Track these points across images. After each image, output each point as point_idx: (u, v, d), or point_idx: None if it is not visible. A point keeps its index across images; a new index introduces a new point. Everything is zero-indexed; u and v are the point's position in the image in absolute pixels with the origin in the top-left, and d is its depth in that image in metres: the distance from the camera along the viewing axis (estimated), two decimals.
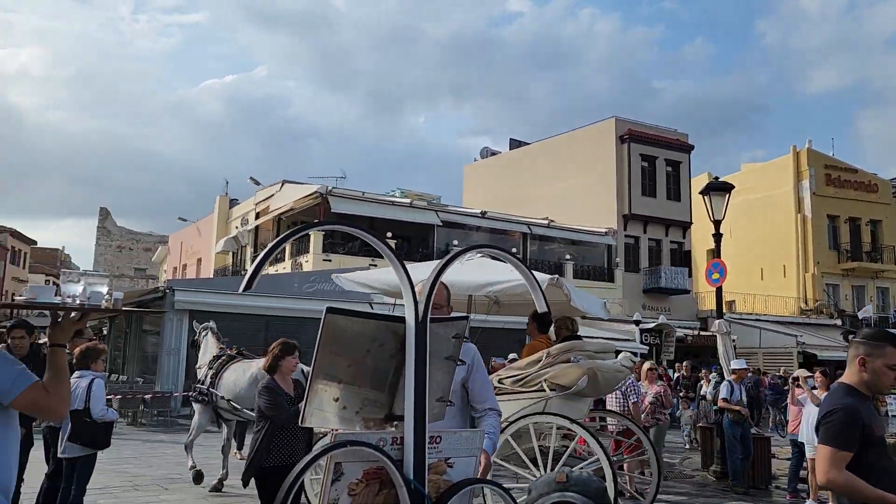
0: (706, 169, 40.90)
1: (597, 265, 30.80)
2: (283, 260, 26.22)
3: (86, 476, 6.23)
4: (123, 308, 2.93)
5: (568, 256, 29.85)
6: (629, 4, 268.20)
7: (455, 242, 26.08)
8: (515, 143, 39.49)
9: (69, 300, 2.64)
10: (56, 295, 2.64)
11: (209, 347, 9.14)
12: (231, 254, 33.75)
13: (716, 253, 11.38)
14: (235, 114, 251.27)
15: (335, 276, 9.68)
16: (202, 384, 8.60)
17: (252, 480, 5.21)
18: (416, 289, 2.69)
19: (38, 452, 6.65)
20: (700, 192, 11.92)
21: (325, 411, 2.58)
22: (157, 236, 63.83)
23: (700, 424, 13.03)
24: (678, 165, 32.31)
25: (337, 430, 2.60)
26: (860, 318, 31.56)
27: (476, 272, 8.11)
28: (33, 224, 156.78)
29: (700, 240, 32.88)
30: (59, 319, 2.60)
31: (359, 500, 2.44)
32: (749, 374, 15.13)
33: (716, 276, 11.27)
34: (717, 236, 11.22)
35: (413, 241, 27.05)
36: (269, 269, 24.67)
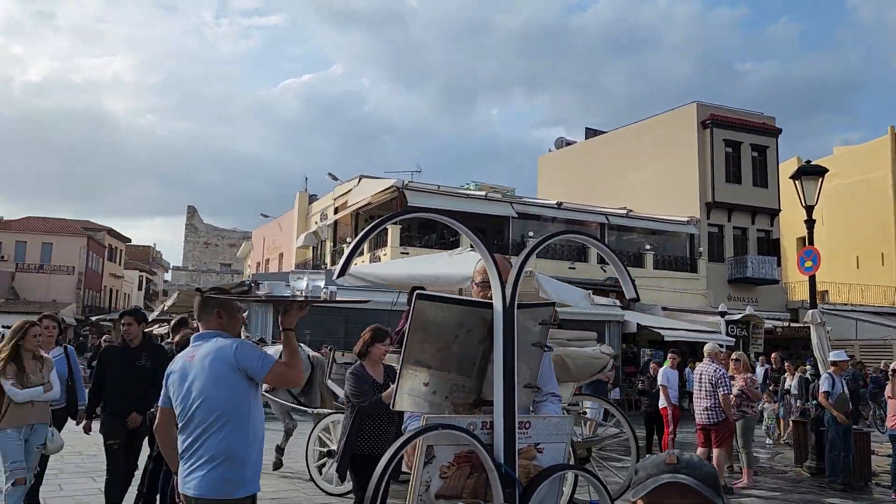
0: (795, 153, 39.11)
1: (679, 255, 29.98)
2: (363, 254, 26.68)
3: None
4: (337, 301, 3.29)
5: (648, 247, 29.17)
6: None
7: (530, 234, 25.89)
8: (591, 133, 38.80)
9: (297, 293, 3.06)
10: (286, 289, 3.10)
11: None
12: (311, 248, 34.57)
13: (808, 240, 10.90)
14: (313, 112, 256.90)
15: (333, 268, 9.88)
16: None
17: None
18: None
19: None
20: (791, 177, 11.43)
21: (415, 396, 2.61)
22: (241, 232, 66.06)
23: (793, 418, 12.51)
24: (765, 150, 31.06)
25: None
26: None
27: (458, 266, 8.80)
28: (128, 223, 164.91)
29: (789, 227, 31.53)
30: (288, 309, 3.14)
31: (450, 483, 2.47)
32: (848, 367, 14.43)
33: (808, 263, 10.79)
34: (810, 223, 10.73)
35: (488, 234, 27.02)
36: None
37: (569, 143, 40.25)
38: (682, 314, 25.32)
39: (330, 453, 7.90)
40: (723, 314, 22.40)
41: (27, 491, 5.62)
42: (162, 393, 3.33)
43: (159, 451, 6.28)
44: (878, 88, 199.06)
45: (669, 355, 11.67)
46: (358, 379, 5.17)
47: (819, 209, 11.59)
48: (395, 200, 25.90)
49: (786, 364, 15.86)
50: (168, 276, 75.77)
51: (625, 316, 22.09)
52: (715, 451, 8.89)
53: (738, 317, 22.74)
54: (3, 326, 45.29)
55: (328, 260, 31.04)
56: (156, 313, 29.39)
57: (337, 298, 3.20)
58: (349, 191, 30.47)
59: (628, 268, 3.02)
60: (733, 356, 10.42)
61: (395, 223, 24.99)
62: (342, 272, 2.46)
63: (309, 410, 9.30)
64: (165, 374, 3.35)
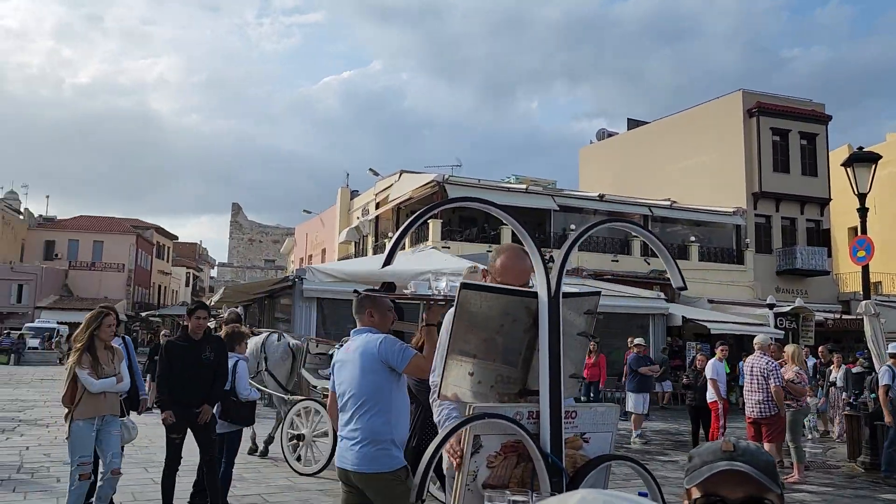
0: (845, 141, 37.96)
1: (725, 247, 29.41)
2: (404, 248, 26.80)
3: (233, 450, 6.69)
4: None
5: (693, 238, 28.68)
6: None
7: (572, 227, 25.67)
8: (634, 123, 38.22)
9: (436, 292, 3.33)
10: (429, 289, 3.36)
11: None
12: (353, 243, 34.85)
13: (861, 229, 10.58)
14: (353, 108, 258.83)
15: (307, 267, 10.65)
16: None
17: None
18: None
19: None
20: (842, 165, 11.11)
21: (460, 386, 2.61)
22: (284, 229, 66.98)
23: (846, 412, 12.18)
24: (814, 138, 30.22)
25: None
26: None
27: (408, 263, 10.01)
28: (174, 221, 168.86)
29: (840, 217, 30.64)
30: (431, 306, 3.47)
31: (497, 473, 2.46)
32: None
33: (861, 253, 10.49)
34: (863, 211, 10.42)
35: (529, 227, 26.33)
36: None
37: (611, 135, 39.75)
38: (729, 307, 24.83)
39: (300, 437, 8.63)
40: (771, 306, 21.91)
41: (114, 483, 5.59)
42: (330, 378, 3.90)
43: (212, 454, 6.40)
44: None
45: (718, 347, 11.46)
46: None
47: (872, 197, 11.22)
48: (436, 195, 25.95)
49: (833, 357, 15.39)
50: (214, 273, 77.32)
51: (669, 309, 21.77)
52: (766, 446, 8.71)
53: (787, 309, 22.22)
54: (57, 322, 46.55)
55: (370, 255, 31.27)
56: None
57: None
58: (390, 186, 30.61)
59: (676, 261, 2.97)
60: (786, 348, 10.17)
61: (437, 217, 25.04)
62: (387, 262, 2.48)
63: (285, 397, 9.78)
64: (332, 362, 3.90)
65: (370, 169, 34.54)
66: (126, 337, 6.85)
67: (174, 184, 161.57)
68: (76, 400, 5.34)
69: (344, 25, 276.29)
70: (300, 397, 9.32)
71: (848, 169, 10.69)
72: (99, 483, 5.45)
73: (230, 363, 6.51)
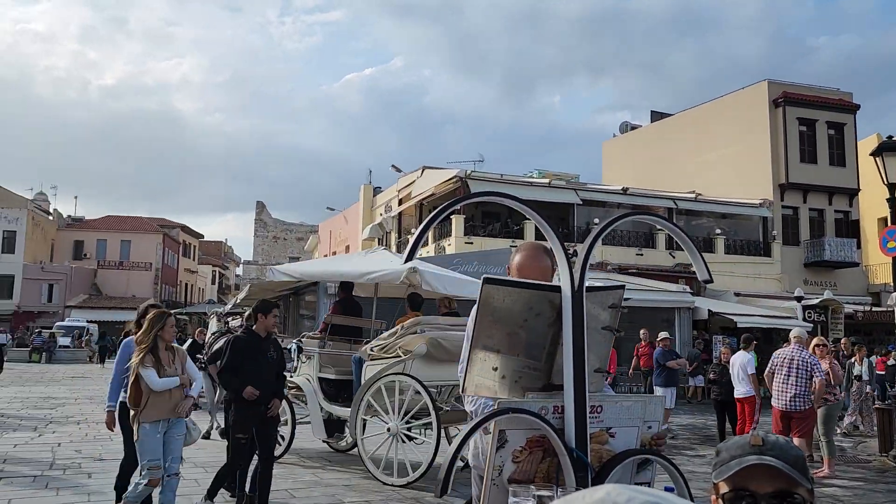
0: (874, 130, 37.23)
1: (751, 239, 29.04)
2: (427, 244, 26.84)
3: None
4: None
5: (718, 231, 28.36)
6: None
7: (595, 220, 25.51)
8: (657, 116, 37.86)
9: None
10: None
11: (211, 326, 12.04)
12: (377, 240, 34.97)
13: (891, 219, 10.39)
14: (375, 105, 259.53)
15: (269, 268, 12.13)
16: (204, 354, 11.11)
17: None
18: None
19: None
20: (871, 154, 10.91)
21: (485, 380, 2.61)
22: (308, 226, 67.36)
23: (876, 406, 11.98)
24: (842, 128, 29.71)
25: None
26: None
27: (359, 263, 10.36)
28: (200, 219, 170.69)
29: (870, 207, 30.09)
30: None
31: (523, 468, 2.46)
32: None
33: (892, 244, 10.30)
34: (893, 201, 10.22)
35: (552, 221, 26.32)
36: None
37: (634, 128, 39.41)
38: (756, 300, 24.53)
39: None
40: (799, 299, 21.61)
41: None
42: None
43: (262, 450, 6.44)
44: None
45: (750, 340, 11.33)
46: None
47: None
48: (459, 190, 25.93)
49: (856, 349, 15.06)
50: (240, 271, 78.00)
51: (695, 302, 21.56)
52: (796, 440, 8.59)
53: (815, 301, 21.91)
54: (87, 321, 47.17)
55: (393, 251, 31.35)
56: (228, 306, 30.29)
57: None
58: (413, 182, 30.66)
59: (702, 254, 2.94)
60: (815, 341, 10.01)
61: (459, 213, 25.04)
62: (410, 257, 2.48)
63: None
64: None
65: (393, 165, 34.69)
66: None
67: (199, 183, 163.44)
68: (143, 402, 5.28)
69: (365, 22, 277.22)
70: None
71: (877, 158, 10.49)
72: (159, 489, 5.36)
73: None
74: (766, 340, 19.07)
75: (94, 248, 53.59)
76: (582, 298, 2.61)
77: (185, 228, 62.15)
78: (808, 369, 8.68)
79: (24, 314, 46.65)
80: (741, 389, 10.83)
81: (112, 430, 6.01)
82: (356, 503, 7.09)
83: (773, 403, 9.07)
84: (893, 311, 10.06)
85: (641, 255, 26.55)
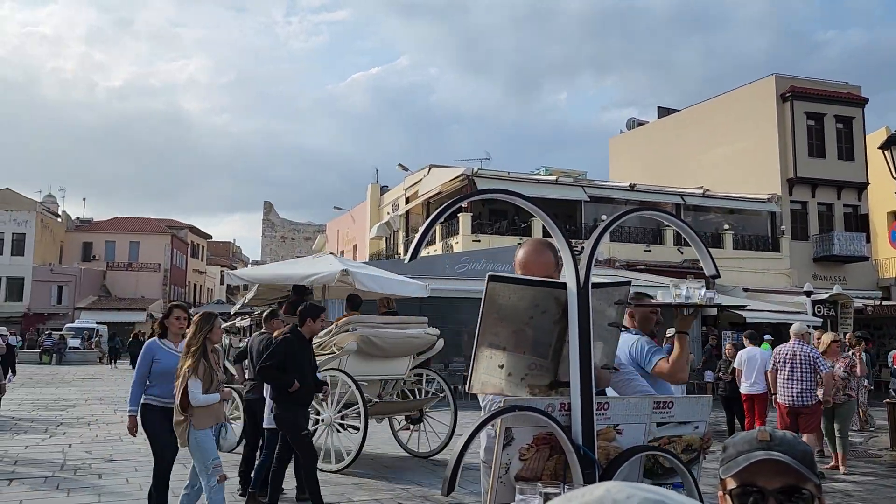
0: (884, 124, 36.96)
1: (760, 234, 28.92)
2: (434, 242, 26.84)
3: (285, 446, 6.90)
4: (714, 304, 3.53)
5: (726, 226, 28.25)
6: None
7: (603, 217, 25.41)
8: (664, 112, 37.71)
9: (682, 300, 3.41)
10: (675, 297, 3.44)
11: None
12: (384, 239, 34.99)
13: None
14: (381, 104, 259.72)
15: (226, 272, 13.39)
16: None
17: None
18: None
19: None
20: (879, 147, 10.84)
21: (491, 378, 2.60)
22: (316, 226, 67.48)
23: (888, 400, 11.92)
24: (850, 122, 29.53)
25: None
26: None
27: (300, 267, 11.14)
28: (208, 220, 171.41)
29: (879, 201, 29.90)
30: (681, 315, 3.56)
31: (529, 465, 2.45)
32: None
33: None
34: None
35: (560, 219, 26.17)
36: (422, 252, 25.37)
37: (641, 124, 39.28)
38: (765, 295, 24.42)
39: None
40: (808, 294, 21.49)
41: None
42: None
43: (283, 451, 6.48)
44: None
45: (755, 336, 11.27)
46: None
47: None
48: (466, 188, 25.92)
49: (853, 342, 14.83)
50: None
51: None
52: (805, 436, 8.54)
53: (824, 296, 21.77)
54: (96, 322, 47.37)
55: (401, 250, 31.36)
56: (237, 306, 30.37)
57: (714, 302, 3.48)
58: (419, 181, 30.66)
59: (709, 249, 2.92)
60: (834, 337, 9.93)
61: (466, 210, 25.03)
62: (413, 257, 2.47)
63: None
64: None
65: (399, 164, 34.64)
66: None
67: (206, 183, 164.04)
68: (191, 409, 5.20)
69: (371, 22, 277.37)
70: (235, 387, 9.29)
71: (885, 152, 10.43)
72: (207, 495, 5.29)
73: None
74: (776, 336, 18.95)
75: (102, 250, 53.82)
76: (588, 295, 2.60)
77: (193, 229, 62.34)
78: (812, 364, 8.64)
79: (34, 316, 46.93)
80: (755, 386, 10.69)
81: (134, 436, 5.77)
82: (365, 502, 7.10)
83: (778, 400, 9.01)
84: None
85: (649, 251, 26.48)
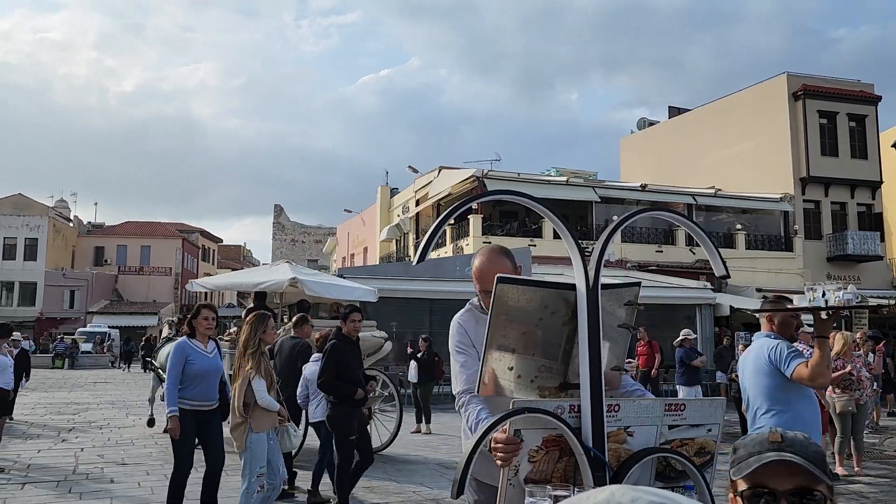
0: None
1: (772, 234, 28.73)
2: (445, 244, 26.83)
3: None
4: (857, 304, 3.73)
5: (739, 226, 28.08)
6: None
7: (614, 218, 25.32)
8: (675, 111, 37.55)
9: (820, 303, 3.56)
10: (810, 301, 3.61)
11: (164, 331, 13.96)
12: (394, 241, 35.01)
13: None
14: (391, 106, 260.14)
15: (190, 281, 13.60)
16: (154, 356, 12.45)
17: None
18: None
19: None
20: (893, 146, 10.75)
21: (501, 380, 2.58)
22: (326, 228, 67.62)
23: None
24: (863, 120, 29.29)
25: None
26: None
27: (251, 275, 12.12)
28: (219, 223, 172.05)
29: (893, 200, 29.68)
30: (820, 318, 3.82)
31: (539, 467, 2.43)
32: None
33: None
34: None
35: (571, 219, 26.64)
36: (432, 254, 25.34)
37: (651, 124, 39.13)
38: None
39: None
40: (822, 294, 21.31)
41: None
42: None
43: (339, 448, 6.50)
44: None
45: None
46: None
47: None
48: (476, 190, 25.88)
49: (861, 342, 14.63)
50: None
51: (716, 298, 21.36)
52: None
53: None
54: (108, 327, 47.65)
55: (411, 252, 31.37)
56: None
57: (853, 304, 3.64)
58: (429, 182, 30.65)
59: (718, 249, 2.89)
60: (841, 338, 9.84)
61: (476, 212, 25.00)
62: (421, 258, 2.45)
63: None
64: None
65: (409, 166, 34.67)
66: (217, 340, 6.25)
67: (217, 187, 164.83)
68: (251, 411, 5.13)
69: (381, 24, 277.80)
70: None
71: None
72: (242, 493, 5.24)
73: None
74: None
75: (114, 254, 54.14)
76: (597, 296, 2.57)
77: (203, 233, 62.60)
78: None
79: (47, 321, 47.24)
80: None
81: (177, 438, 5.51)
82: None
83: None
84: None
85: (661, 251, 26.36)
